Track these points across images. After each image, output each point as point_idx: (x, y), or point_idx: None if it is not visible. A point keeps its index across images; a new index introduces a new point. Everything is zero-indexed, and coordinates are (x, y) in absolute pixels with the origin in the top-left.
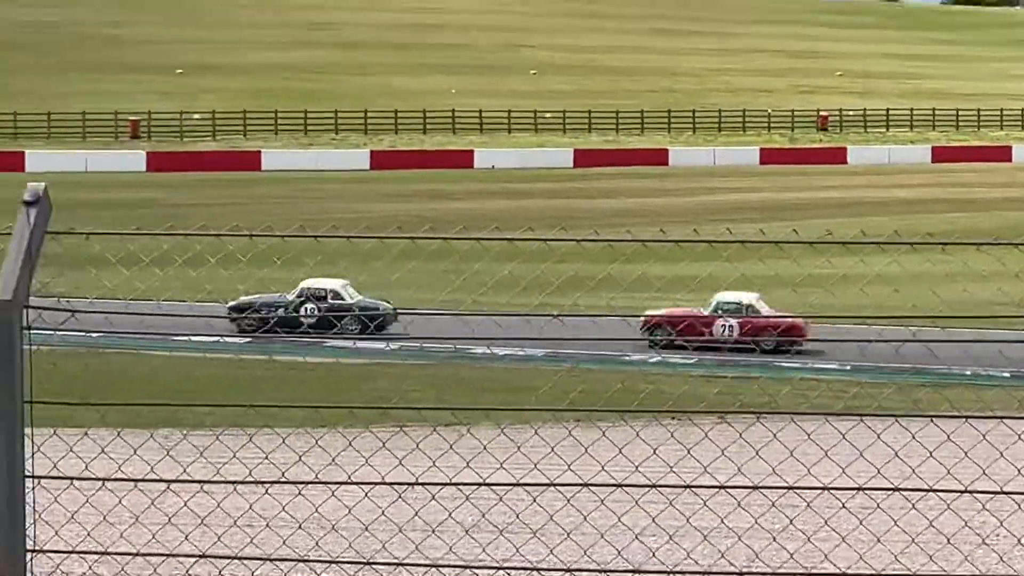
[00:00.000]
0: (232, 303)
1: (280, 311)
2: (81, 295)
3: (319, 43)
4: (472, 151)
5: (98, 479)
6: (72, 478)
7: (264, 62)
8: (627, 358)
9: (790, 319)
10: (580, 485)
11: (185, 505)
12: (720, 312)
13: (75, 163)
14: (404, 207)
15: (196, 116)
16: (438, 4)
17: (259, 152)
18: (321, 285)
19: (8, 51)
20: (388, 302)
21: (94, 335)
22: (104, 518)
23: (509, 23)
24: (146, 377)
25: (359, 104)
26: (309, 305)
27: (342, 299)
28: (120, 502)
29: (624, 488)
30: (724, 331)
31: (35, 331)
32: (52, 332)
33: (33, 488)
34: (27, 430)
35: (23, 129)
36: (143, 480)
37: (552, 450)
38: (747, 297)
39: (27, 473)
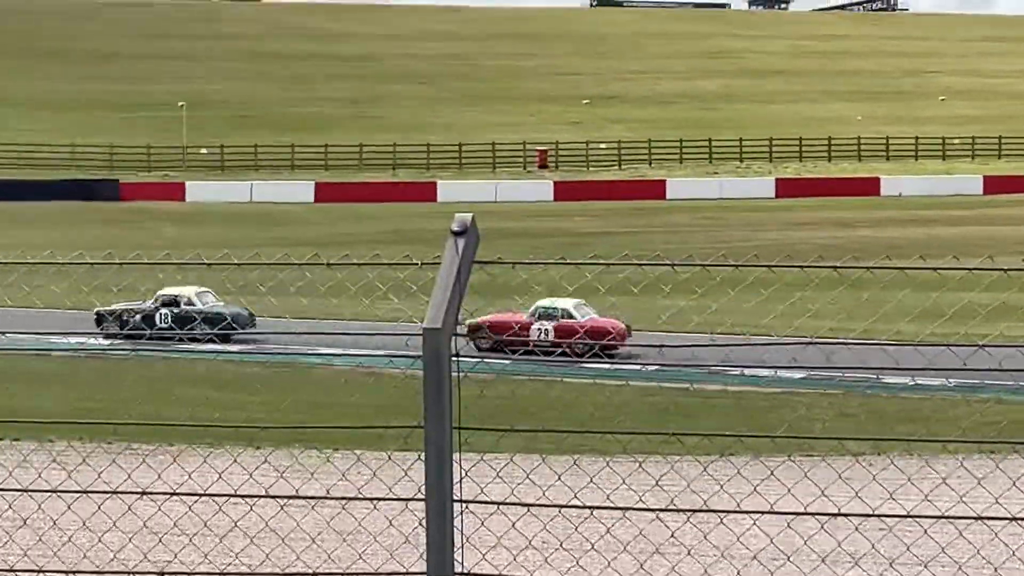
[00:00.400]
0: (98, 309)
1: (137, 317)
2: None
3: (723, 72)
4: (878, 178)
5: (523, 504)
6: (498, 503)
7: (669, 91)
8: None
9: (603, 323)
10: (972, 518)
11: (608, 532)
12: (537, 317)
13: (485, 192)
14: (807, 235)
15: (602, 146)
16: (842, 31)
17: (664, 181)
18: (174, 292)
19: (424, 85)
20: (246, 310)
21: (521, 362)
22: (529, 543)
23: (914, 48)
24: (568, 403)
25: (763, 132)
26: (163, 311)
27: (193, 305)
28: (545, 528)
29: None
30: (540, 334)
31: (463, 359)
32: (479, 360)
33: (461, 512)
34: (455, 455)
35: (435, 160)
36: (566, 506)
37: (979, 483)
38: (564, 303)
39: (456, 498)
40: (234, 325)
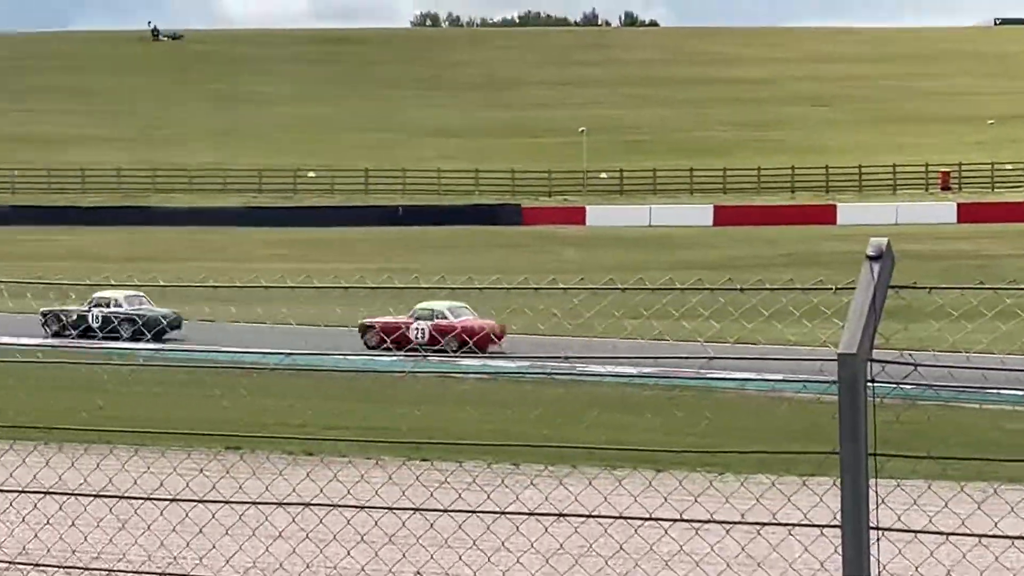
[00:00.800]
0: (43, 310)
1: (74, 316)
2: (923, 348)
3: None
4: None
5: (941, 532)
6: (916, 531)
7: None
8: None
9: (476, 323)
10: None
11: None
12: (416, 318)
13: (886, 215)
14: None
15: (1008, 167)
16: None
17: None
18: (106, 295)
19: (822, 107)
20: (174, 312)
21: (936, 388)
22: (948, 573)
23: None
24: (982, 431)
25: None
26: (95, 311)
27: (121, 307)
28: (964, 557)
29: None
30: (417, 334)
31: (878, 384)
32: (895, 385)
33: (878, 540)
34: (871, 481)
35: (834, 182)
36: (985, 535)
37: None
38: (439, 305)
39: (872, 524)
40: (161, 327)
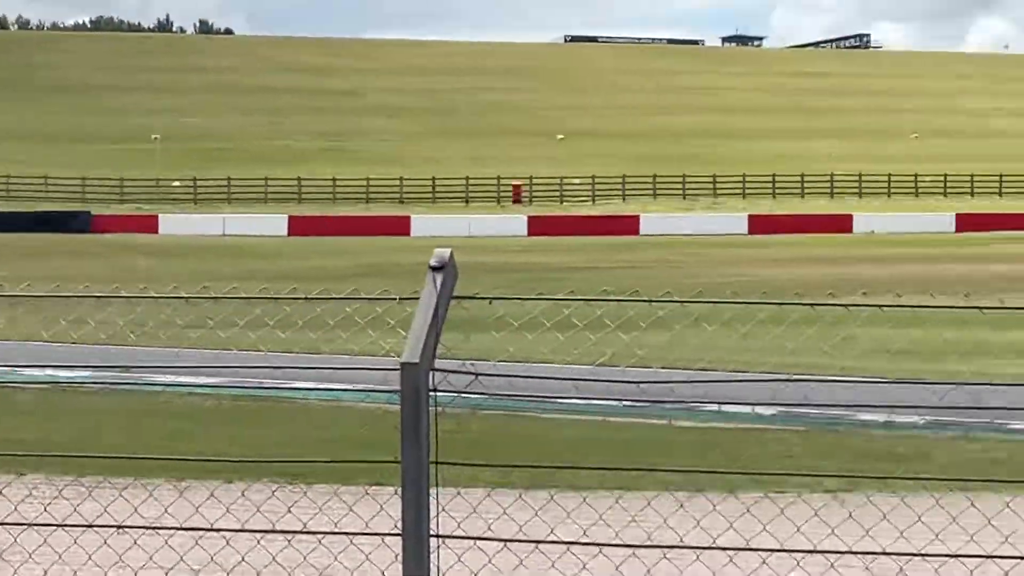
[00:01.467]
0: None
1: None
2: (484, 358)
3: (696, 107)
4: (851, 215)
5: (500, 539)
6: (475, 538)
7: (642, 127)
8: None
9: None
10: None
11: (584, 567)
12: None
13: (459, 227)
14: (783, 272)
15: (576, 181)
16: (815, 68)
17: (637, 216)
18: None
19: (398, 120)
20: None
21: (498, 397)
22: None
23: (887, 86)
24: (543, 439)
25: (737, 168)
26: None
27: None
28: (522, 563)
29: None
30: None
31: (441, 393)
32: (457, 394)
33: (438, 547)
34: (433, 490)
35: (409, 194)
36: (543, 542)
37: (954, 520)
38: None
39: (433, 532)
40: None
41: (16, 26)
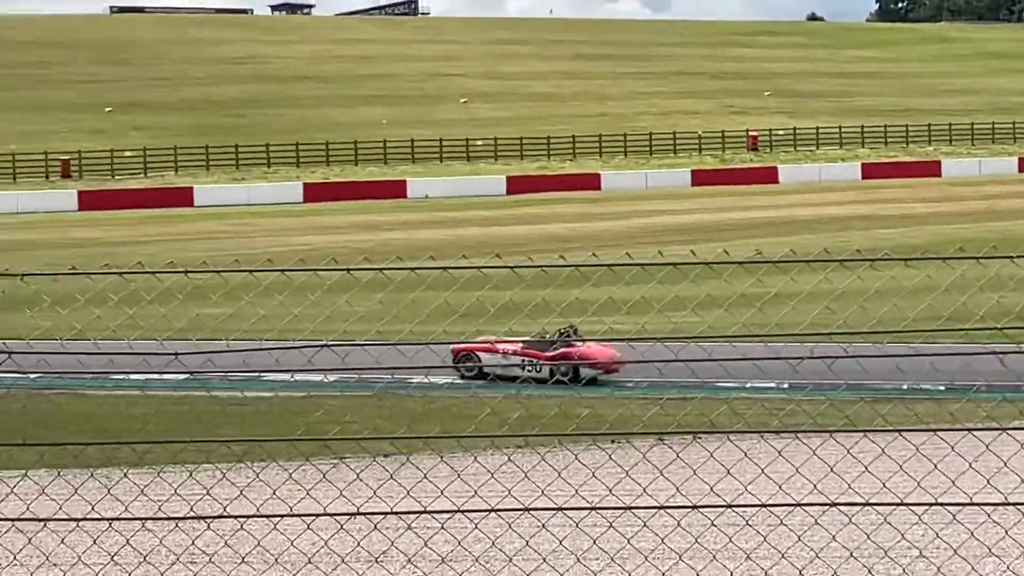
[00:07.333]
0: None
1: None
2: (16, 336)
3: (248, 77)
4: (405, 181)
5: (39, 519)
6: (13, 519)
7: (193, 97)
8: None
9: None
10: (520, 510)
11: (128, 543)
12: None
13: (6, 204)
14: (338, 239)
15: (127, 154)
16: (365, 35)
17: (191, 188)
18: None
19: None
20: None
21: (31, 376)
22: (47, 558)
23: (436, 52)
24: (84, 417)
25: (290, 137)
26: None
27: None
28: (63, 542)
29: (564, 512)
30: None
31: None
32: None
33: None
34: None
35: None
36: (85, 519)
37: (492, 476)
38: None
39: None
40: None
41: None
